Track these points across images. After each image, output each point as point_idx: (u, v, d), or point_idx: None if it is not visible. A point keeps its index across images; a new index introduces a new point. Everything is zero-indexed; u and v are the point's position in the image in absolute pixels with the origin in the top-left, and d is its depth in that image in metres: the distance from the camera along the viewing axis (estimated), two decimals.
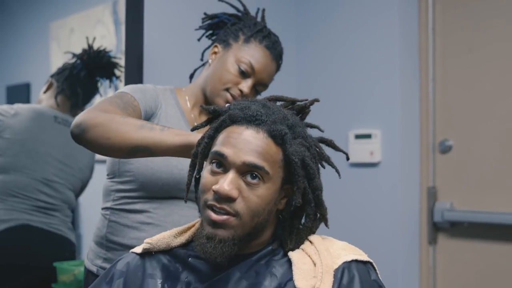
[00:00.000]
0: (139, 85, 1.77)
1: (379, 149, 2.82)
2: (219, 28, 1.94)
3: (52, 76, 2.78)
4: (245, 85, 1.78)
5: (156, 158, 1.66)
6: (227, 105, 1.45)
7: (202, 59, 2.00)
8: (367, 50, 2.91)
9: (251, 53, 1.80)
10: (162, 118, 1.74)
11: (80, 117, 1.51)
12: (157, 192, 1.70)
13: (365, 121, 2.89)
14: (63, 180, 2.63)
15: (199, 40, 1.99)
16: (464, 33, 2.79)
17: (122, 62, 3.33)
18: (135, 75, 2.35)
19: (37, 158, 2.56)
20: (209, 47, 1.94)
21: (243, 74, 1.79)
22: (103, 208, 1.81)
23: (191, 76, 2.03)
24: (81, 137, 1.51)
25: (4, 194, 2.49)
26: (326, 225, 1.33)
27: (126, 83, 2.53)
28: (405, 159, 2.81)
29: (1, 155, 2.49)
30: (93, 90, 2.86)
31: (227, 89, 1.78)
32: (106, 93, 3.49)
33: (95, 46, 2.83)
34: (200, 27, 2.00)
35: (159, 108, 1.75)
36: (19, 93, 3.01)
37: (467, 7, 2.79)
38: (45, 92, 2.75)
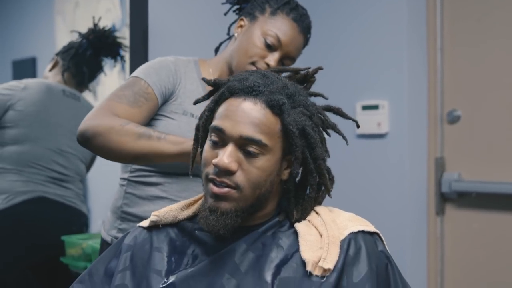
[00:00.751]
0: (155, 63, 1.75)
1: (387, 120, 2.81)
2: (246, 2, 1.90)
3: (57, 54, 2.81)
4: (272, 58, 1.75)
5: (174, 133, 1.66)
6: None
7: (228, 34, 1.96)
8: (374, 20, 2.88)
9: (278, 26, 1.76)
10: (181, 94, 1.73)
11: (84, 125, 1.58)
12: (172, 167, 1.70)
13: (372, 92, 2.88)
14: (75, 151, 2.69)
15: (225, 14, 1.94)
16: (472, 3, 2.75)
17: (127, 35, 3.33)
18: (140, 48, 2.35)
19: (50, 129, 2.61)
20: (235, 21, 1.90)
21: (270, 47, 1.75)
22: (121, 178, 1.83)
23: (216, 50, 1.99)
24: (86, 145, 1.59)
25: (20, 165, 2.53)
26: (329, 195, 1.33)
27: (131, 56, 2.53)
28: (412, 130, 2.80)
29: (15, 127, 2.53)
30: (98, 69, 2.90)
31: (253, 63, 1.75)
32: (111, 72, 3.49)
33: (101, 25, 2.84)
34: (227, 1, 1.96)
35: (178, 85, 1.74)
36: (25, 67, 3.02)
37: None
38: (50, 70, 2.79)
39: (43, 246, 2.54)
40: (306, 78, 1.40)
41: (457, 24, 2.79)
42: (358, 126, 1.40)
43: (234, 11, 1.96)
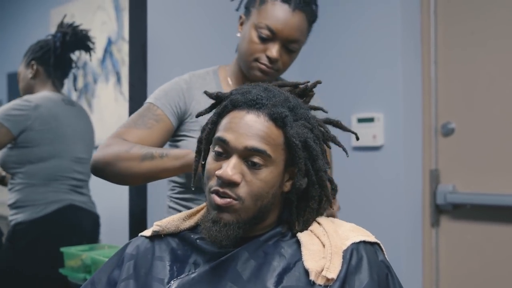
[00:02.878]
0: (167, 85, 1.76)
1: (382, 133, 2.83)
2: None
3: (33, 59, 2.77)
4: (272, 50, 1.69)
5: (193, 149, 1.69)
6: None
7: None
8: (369, 33, 2.91)
9: (268, 15, 1.68)
10: (195, 110, 1.72)
11: (95, 157, 1.63)
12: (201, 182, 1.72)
13: (367, 105, 2.90)
14: (89, 154, 2.76)
15: (237, 10, 1.85)
16: (466, 16, 2.79)
17: (125, 48, 3.33)
18: (139, 62, 2.36)
19: (68, 141, 2.68)
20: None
21: (265, 40, 1.69)
22: (167, 196, 1.88)
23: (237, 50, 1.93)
24: (100, 176, 1.64)
25: (48, 179, 2.61)
26: (331, 206, 1.35)
27: (130, 70, 2.54)
28: (407, 142, 2.82)
29: (37, 146, 2.59)
30: (70, 64, 2.90)
31: (256, 59, 1.71)
32: (107, 85, 3.48)
33: (67, 23, 2.83)
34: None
35: (191, 102, 1.74)
36: None
37: None
38: (33, 78, 2.76)
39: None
40: (305, 92, 1.42)
41: (451, 37, 2.82)
42: (357, 138, 1.43)
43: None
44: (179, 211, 1.78)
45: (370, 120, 2.86)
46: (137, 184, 1.73)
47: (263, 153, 1.21)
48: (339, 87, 3.01)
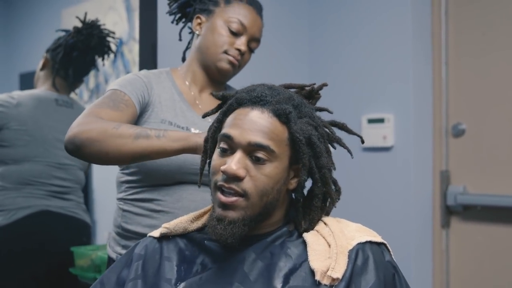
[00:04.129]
0: (127, 77, 1.77)
1: (392, 133, 2.83)
2: (189, 6, 1.94)
3: (47, 51, 2.76)
4: (240, 42, 1.80)
5: None
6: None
7: (180, 39, 2.00)
8: (379, 34, 2.91)
9: (237, 12, 1.81)
10: (157, 104, 1.75)
11: (72, 132, 1.55)
12: (162, 179, 1.72)
13: (378, 106, 2.90)
14: (74, 161, 2.66)
15: (172, 22, 2.00)
16: (477, 16, 2.78)
17: (135, 49, 3.35)
18: (149, 62, 2.37)
19: (47, 145, 2.59)
20: (184, 26, 1.98)
21: (235, 34, 1.80)
22: (117, 199, 1.84)
23: (183, 59, 2.02)
24: (77, 153, 1.55)
25: (20, 183, 2.54)
26: (333, 204, 1.35)
27: (141, 70, 2.55)
28: (418, 143, 2.82)
29: (11, 146, 2.53)
30: (88, 67, 2.83)
31: (225, 52, 1.80)
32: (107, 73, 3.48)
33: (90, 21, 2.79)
34: (169, 12, 1.99)
35: (152, 95, 1.76)
36: (32, 80, 3.03)
37: None
38: (41, 69, 2.74)
39: (47, 258, 2.54)
40: (311, 94, 1.44)
41: (462, 38, 2.82)
42: (362, 142, 1.43)
43: (177, 19, 2.00)
44: (137, 214, 1.74)
45: (381, 120, 2.85)
46: (122, 164, 1.69)
47: (266, 148, 1.22)
48: (350, 88, 3.01)
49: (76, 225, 2.66)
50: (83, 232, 2.71)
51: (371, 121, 2.89)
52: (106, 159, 1.52)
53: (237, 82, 1.85)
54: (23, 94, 2.62)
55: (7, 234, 2.50)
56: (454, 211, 2.84)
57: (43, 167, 2.58)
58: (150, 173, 1.71)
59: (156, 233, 1.40)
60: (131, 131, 1.51)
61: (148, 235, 1.43)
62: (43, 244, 2.54)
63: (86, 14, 2.79)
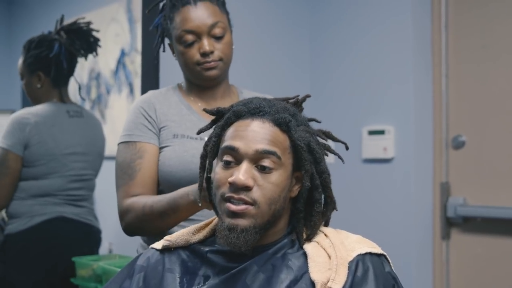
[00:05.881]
0: (129, 118, 1.82)
1: (393, 145, 2.84)
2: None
3: (40, 70, 2.72)
4: (202, 45, 1.75)
5: (173, 158, 1.75)
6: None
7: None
8: (380, 47, 2.93)
9: (179, 23, 1.77)
10: (165, 121, 1.80)
11: (124, 225, 1.73)
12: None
13: (378, 117, 2.91)
14: (91, 170, 2.75)
15: (164, 51, 1.98)
16: (477, 29, 2.79)
17: (137, 60, 3.36)
18: (151, 73, 2.38)
19: (65, 160, 2.65)
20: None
21: (192, 43, 1.76)
22: None
23: None
24: (136, 234, 1.78)
25: (38, 195, 2.61)
26: (334, 208, 1.36)
27: (143, 82, 2.57)
28: (418, 155, 2.82)
29: (33, 166, 2.59)
30: (74, 65, 2.82)
31: (197, 63, 1.77)
32: (119, 96, 3.51)
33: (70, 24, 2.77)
34: (157, 45, 1.98)
35: (159, 115, 1.80)
36: None
37: (480, 3, 2.80)
38: (40, 87, 2.73)
39: (62, 264, 2.60)
40: (296, 105, 1.45)
41: (462, 51, 2.83)
42: (347, 148, 1.43)
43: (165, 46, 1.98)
44: None
45: (381, 132, 2.87)
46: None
47: (274, 154, 1.24)
48: (350, 99, 3.02)
49: (89, 231, 2.73)
50: (95, 238, 2.78)
51: (371, 132, 2.90)
52: (156, 233, 1.67)
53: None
54: (38, 112, 2.64)
55: (24, 239, 2.56)
56: (454, 223, 2.84)
57: (61, 180, 2.64)
58: (168, 185, 1.76)
59: (158, 245, 1.41)
60: (155, 212, 1.63)
61: (150, 247, 1.43)
62: (58, 249, 2.60)
63: (63, 16, 2.80)
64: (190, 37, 1.76)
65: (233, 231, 1.23)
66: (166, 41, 1.92)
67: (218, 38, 1.78)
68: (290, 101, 1.45)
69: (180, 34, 1.77)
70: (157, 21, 1.92)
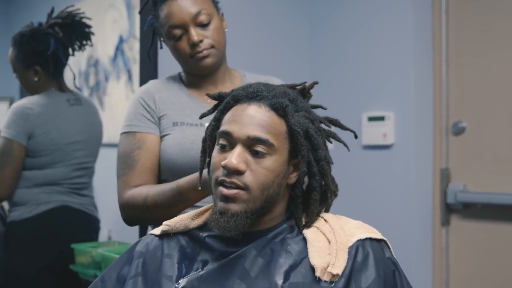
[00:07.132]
0: (130, 109, 1.83)
1: (392, 131, 2.83)
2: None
3: (37, 64, 2.71)
4: (190, 36, 1.74)
5: (173, 146, 1.75)
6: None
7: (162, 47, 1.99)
8: (380, 32, 2.91)
9: (164, 20, 1.76)
10: (165, 109, 1.81)
11: (122, 215, 1.74)
12: (184, 176, 1.74)
13: (378, 104, 2.90)
14: (91, 157, 2.78)
15: (161, 48, 1.98)
16: (478, 15, 2.78)
17: (136, 47, 3.35)
18: (150, 60, 2.36)
19: (68, 149, 2.67)
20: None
21: (180, 36, 1.76)
22: None
23: None
24: (136, 223, 1.84)
25: (44, 184, 2.63)
26: (333, 196, 1.36)
27: (141, 68, 2.56)
28: (418, 141, 2.82)
29: (38, 157, 2.61)
30: (69, 55, 2.81)
31: (190, 55, 1.77)
32: (118, 83, 3.50)
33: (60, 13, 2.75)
34: (152, 45, 2.00)
35: (158, 104, 1.81)
36: None
37: None
38: (38, 80, 2.72)
39: (65, 253, 2.63)
40: (303, 93, 1.45)
41: (462, 36, 2.82)
42: (356, 137, 1.43)
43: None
44: None
45: (381, 118, 2.86)
46: None
47: (265, 142, 1.24)
48: (350, 85, 3.01)
49: (90, 221, 2.76)
50: (95, 227, 2.81)
51: (371, 119, 2.90)
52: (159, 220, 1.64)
53: None
54: (39, 102, 2.65)
55: (28, 227, 2.58)
56: (454, 209, 2.84)
57: (65, 169, 2.67)
58: (171, 171, 1.77)
59: (157, 230, 1.41)
60: (160, 203, 1.64)
61: (149, 233, 1.44)
62: (62, 238, 2.63)
63: (53, 8, 2.76)
64: (177, 32, 1.76)
65: (224, 215, 1.23)
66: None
67: (205, 26, 1.77)
68: (297, 87, 1.44)
69: (167, 31, 1.77)
70: (149, 21, 1.94)
